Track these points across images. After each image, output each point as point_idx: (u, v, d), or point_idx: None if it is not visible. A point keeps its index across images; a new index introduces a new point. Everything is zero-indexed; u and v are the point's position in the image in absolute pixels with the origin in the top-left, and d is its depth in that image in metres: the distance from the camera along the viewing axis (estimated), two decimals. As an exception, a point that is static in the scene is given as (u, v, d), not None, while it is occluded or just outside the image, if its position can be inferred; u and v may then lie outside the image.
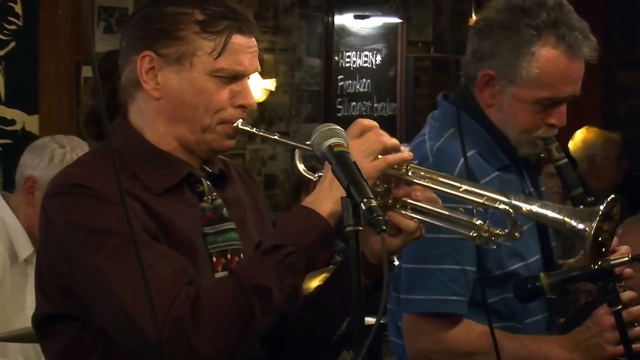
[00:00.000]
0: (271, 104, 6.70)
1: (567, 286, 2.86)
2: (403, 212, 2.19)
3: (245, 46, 2.26)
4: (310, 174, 2.31)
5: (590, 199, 2.85)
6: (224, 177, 2.38)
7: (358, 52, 7.32)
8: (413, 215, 2.19)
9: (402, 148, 2.22)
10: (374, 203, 1.92)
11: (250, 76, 2.29)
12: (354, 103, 7.42)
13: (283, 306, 2.14)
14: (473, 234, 2.16)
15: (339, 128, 2.10)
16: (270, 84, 6.43)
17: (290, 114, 6.98)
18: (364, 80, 7.47)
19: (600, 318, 2.78)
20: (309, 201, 2.17)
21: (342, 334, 2.29)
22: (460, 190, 2.19)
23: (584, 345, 2.79)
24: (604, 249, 2.24)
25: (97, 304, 2.12)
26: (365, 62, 7.46)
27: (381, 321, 1.95)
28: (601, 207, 2.17)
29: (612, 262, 2.70)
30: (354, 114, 7.31)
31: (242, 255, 2.28)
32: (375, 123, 2.22)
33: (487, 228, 2.15)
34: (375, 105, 7.65)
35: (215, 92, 2.24)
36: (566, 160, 2.91)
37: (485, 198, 2.16)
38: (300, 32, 7.03)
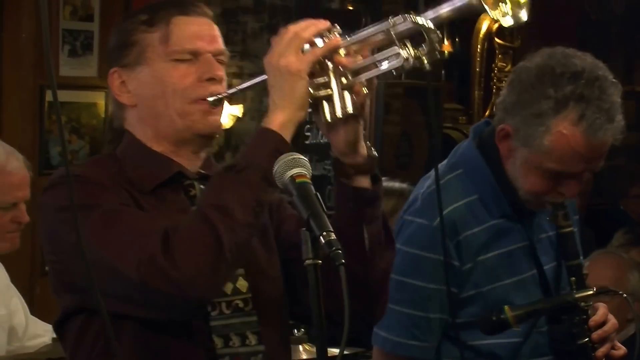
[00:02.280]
0: (238, 130, 6.65)
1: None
2: (347, 81, 2.23)
3: (194, 25, 2.34)
4: None
5: (585, 273, 2.87)
6: None
7: None
8: (354, 78, 2.23)
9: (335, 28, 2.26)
10: (333, 236, 1.95)
11: (217, 55, 2.34)
12: (323, 130, 7.37)
13: (250, 220, 2.16)
14: (403, 61, 2.16)
15: (303, 158, 2.10)
16: (238, 110, 6.39)
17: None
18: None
19: None
20: (263, 123, 2.23)
21: (370, 245, 2.30)
22: (373, 28, 2.21)
23: None
24: None
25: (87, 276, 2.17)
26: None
27: (344, 352, 1.99)
28: None
29: (577, 296, 2.72)
30: (322, 141, 7.26)
31: None
32: (293, 25, 2.25)
33: (409, 50, 2.16)
34: (344, 132, 7.61)
35: (175, 74, 2.31)
36: (571, 229, 2.88)
37: (391, 26, 2.17)
38: None
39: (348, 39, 2.24)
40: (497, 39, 8.59)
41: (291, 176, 2.06)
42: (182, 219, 2.19)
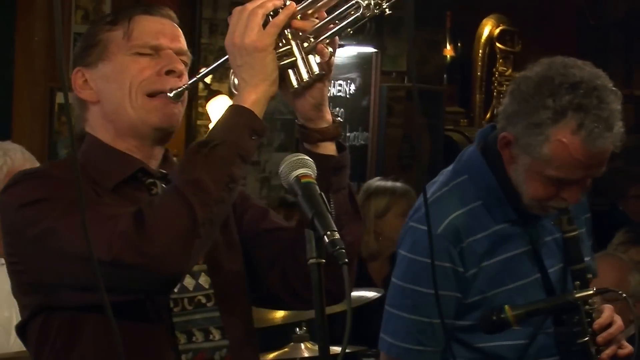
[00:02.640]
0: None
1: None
2: (309, 44, 2.23)
3: (156, 23, 2.35)
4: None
5: (589, 276, 2.86)
6: None
7: (332, 81, 7.23)
8: (316, 40, 2.23)
9: None
10: (337, 236, 1.95)
11: (179, 54, 2.34)
12: (326, 132, 7.40)
13: (224, 196, 2.14)
14: (363, 11, 2.18)
15: (308, 158, 2.11)
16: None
17: (262, 143, 6.89)
18: (337, 109, 7.48)
19: None
20: (234, 100, 2.22)
21: (337, 213, 2.27)
22: None
23: None
24: None
25: (55, 269, 2.16)
26: (339, 91, 7.47)
27: (346, 350, 1.97)
28: None
29: (577, 295, 2.70)
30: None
31: None
32: (245, 5, 2.24)
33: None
34: (347, 134, 7.66)
35: (137, 66, 2.30)
36: (575, 233, 2.87)
37: None
38: None
39: (303, 3, 2.24)
40: (498, 44, 8.62)
41: (296, 176, 2.06)
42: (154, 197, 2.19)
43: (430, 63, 8.21)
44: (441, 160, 8.07)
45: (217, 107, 6.19)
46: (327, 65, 2.25)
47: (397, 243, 2.95)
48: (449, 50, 8.38)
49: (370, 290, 4.81)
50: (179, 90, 2.29)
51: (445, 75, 8.28)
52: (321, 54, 2.23)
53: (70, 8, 5.56)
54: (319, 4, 2.24)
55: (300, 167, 2.08)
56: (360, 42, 7.41)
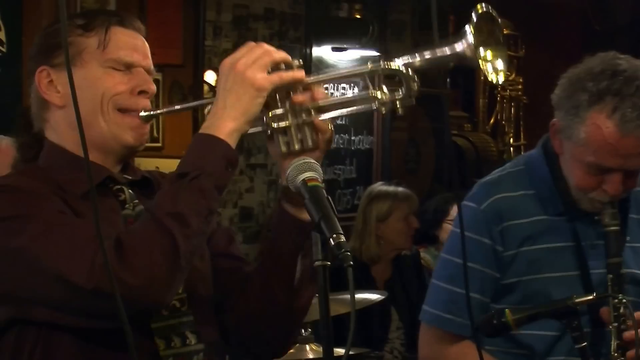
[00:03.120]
0: (250, 135, 6.66)
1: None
2: (311, 117, 2.22)
3: (130, 37, 2.34)
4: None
5: (623, 271, 2.87)
6: (148, 184, 2.41)
7: (335, 85, 7.27)
8: (321, 116, 2.23)
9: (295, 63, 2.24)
10: (342, 239, 1.95)
11: (148, 72, 2.34)
12: (331, 136, 7.41)
13: (202, 228, 2.16)
14: (375, 104, 2.19)
15: (314, 162, 2.12)
16: None
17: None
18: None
19: None
20: (204, 127, 2.20)
21: (300, 277, 2.33)
22: (349, 71, 2.30)
23: None
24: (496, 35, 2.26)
25: (30, 285, 2.15)
26: (343, 94, 7.46)
27: (350, 352, 2.00)
28: (468, 28, 2.20)
29: (577, 300, 2.72)
30: (332, 146, 7.29)
31: None
32: (263, 43, 2.24)
33: (384, 94, 2.19)
34: (352, 138, 7.68)
35: (109, 79, 2.29)
36: (617, 228, 2.88)
37: (371, 66, 2.19)
38: None
39: (319, 75, 2.25)
40: None
41: (303, 180, 2.07)
42: (133, 227, 2.18)
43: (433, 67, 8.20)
44: (444, 165, 8.08)
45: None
46: (324, 142, 2.25)
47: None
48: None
49: (373, 293, 4.85)
50: (151, 114, 2.31)
51: (448, 80, 8.30)
52: (320, 130, 2.24)
53: (75, 9, 5.55)
54: (335, 81, 2.25)
55: (307, 171, 2.09)
56: (363, 45, 7.43)
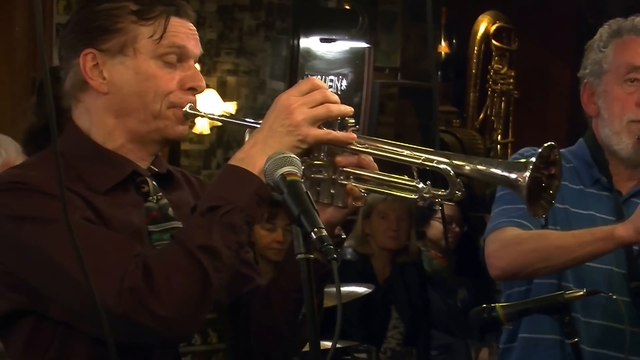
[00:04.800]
0: (230, 128, 6.58)
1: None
2: (347, 182, 2.28)
3: (185, 28, 2.33)
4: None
5: None
6: (171, 179, 2.43)
7: (323, 77, 7.32)
8: (356, 184, 2.28)
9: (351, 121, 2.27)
10: (324, 232, 1.97)
11: (195, 61, 2.35)
12: (317, 128, 7.40)
13: (232, 262, 2.20)
14: (415, 196, 2.24)
15: (293, 156, 2.11)
16: (232, 107, 6.39)
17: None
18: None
19: None
20: (238, 158, 2.22)
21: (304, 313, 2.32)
22: (402, 154, 2.27)
23: None
24: (551, 192, 2.30)
25: (55, 290, 2.17)
26: (331, 86, 7.45)
27: (337, 345, 1.99)
28: (533, 159, 2.21)
29: (567, 296, 2.77)
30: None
31: None
32: (324, 85, 2.25)
33: (428, 189, 2.22)
34: (338, 131, 7.63)
35: (162, 76, 2.29)
36: None
37: (423, 158, 2.23)
38: (265, 54, 7.06)
39: (370, 144, 2.27)
40: (494, 41, 8.61)
41: (282, 174, 2.06)
42: (161, 254, 2.19)
43: (423, 59, 8.20)
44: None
45: (204, 101, 6.14)
46: (352, 204, 2.29)
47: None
48: (443, 47, 8.45)
49: (360, 286, 4.94)
50: (193, 112, 2.32)
51: (439, 73, 8.26)
52: (351, 194, 2.28)
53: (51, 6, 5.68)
54: (379, 157, 2.28)
55: (286, 165, 2.08)
56: (353, 37, 7.44)
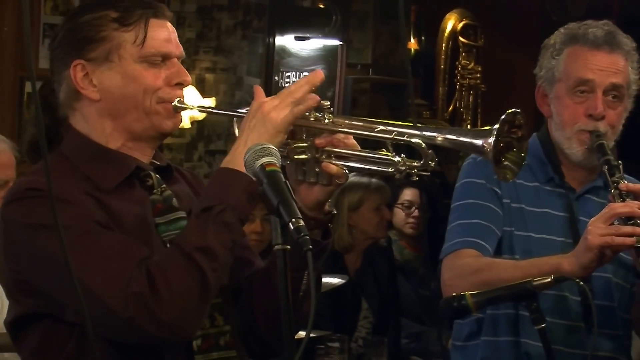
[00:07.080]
0: (210, 122, 6.69)
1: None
2: (328, 160, 2.31)
3: (164, 29, 2.39)
4: None
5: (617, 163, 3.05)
6: (171, 172, 2.49)
7: (298, 73, 7.31)
8: (337, 162, 2.31)
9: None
10: (302, 223, 1.99)
11: (178, 59, 2.41)
12: (292, 122, 7.40)
13: (228, 259, 2.26)
14: (392, 169, 2.27)
15: (273, 147, 2.15)
16: (211, 102, 6.39)
17: (229, 132, 6.96)
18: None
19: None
20: (227, 161, 2.28)
21: (304, 290, 2.38)
22: (375, 130, 2.30)
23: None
24: (522, 154, 2.35)
25: (68, 296, 2.19)
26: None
27: (310, 335, 2.04)
28: (497, 125, 2.26)
29: (535, 283, 2.78)
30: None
31: None
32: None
33: (403, 162, 2.26)
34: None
35: (148, 75, 2.36)
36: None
37: (395, 133, 2.27)
38: (242, 52, 7.05)
39: (342, 126, 2.32)
40: (461, 38, 8.63)
41: (261, 164, 2.09)
42: (161, 258, 2.23)
43: (394, 56, 8.26)
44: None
45: (184, 97, 6.20)
46: (335, 183, 2.33)
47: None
48: (413, 44, 8.39)
49: (335, 277, 4.88)
50: (182, 106, 2.38)
51: (409, 68, 8.29)
52: (334, 174, 2.32)
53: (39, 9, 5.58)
54: (356, 135, 2.34)
55: (266, 156, 2.11)
56: (326, 35, 7.43)
